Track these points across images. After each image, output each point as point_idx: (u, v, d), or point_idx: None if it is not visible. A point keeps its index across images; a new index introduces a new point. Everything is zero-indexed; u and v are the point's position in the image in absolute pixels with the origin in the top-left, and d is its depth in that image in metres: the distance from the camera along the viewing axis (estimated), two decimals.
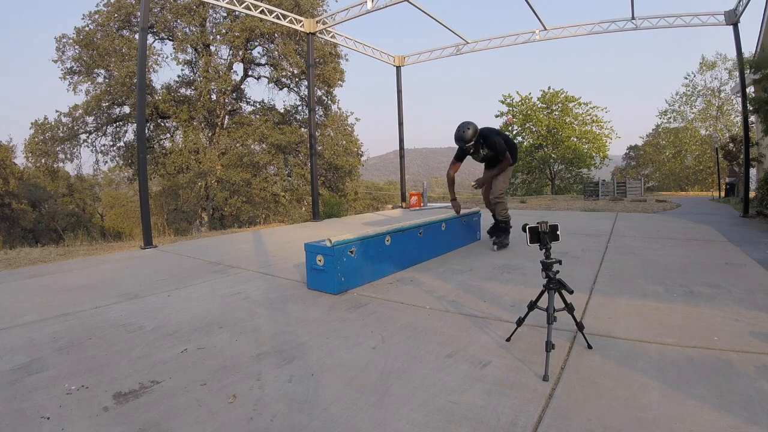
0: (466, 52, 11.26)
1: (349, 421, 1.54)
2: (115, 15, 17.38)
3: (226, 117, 20.36)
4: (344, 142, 20.62)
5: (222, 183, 18.51)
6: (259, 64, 20.79)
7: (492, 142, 4.61)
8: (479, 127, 4.64)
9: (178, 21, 18.11)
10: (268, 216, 18.93)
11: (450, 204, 5.24)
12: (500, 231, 4.99)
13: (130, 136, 19.95)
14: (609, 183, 16.70)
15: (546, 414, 1.55)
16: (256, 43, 19.87)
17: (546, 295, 1.98)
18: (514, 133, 30.47)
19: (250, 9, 8.30)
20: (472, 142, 4.53)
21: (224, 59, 19.82)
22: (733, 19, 7.92)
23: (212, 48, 19.35)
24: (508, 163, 4.75)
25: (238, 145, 19.39)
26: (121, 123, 19.74)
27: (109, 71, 17.92)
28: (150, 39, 18.04)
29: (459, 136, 4.52)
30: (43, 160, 19.27)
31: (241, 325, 2.60)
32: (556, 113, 28.97)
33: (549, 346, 1.83)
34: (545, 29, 9.85)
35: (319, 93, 20.35)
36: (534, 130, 29.13)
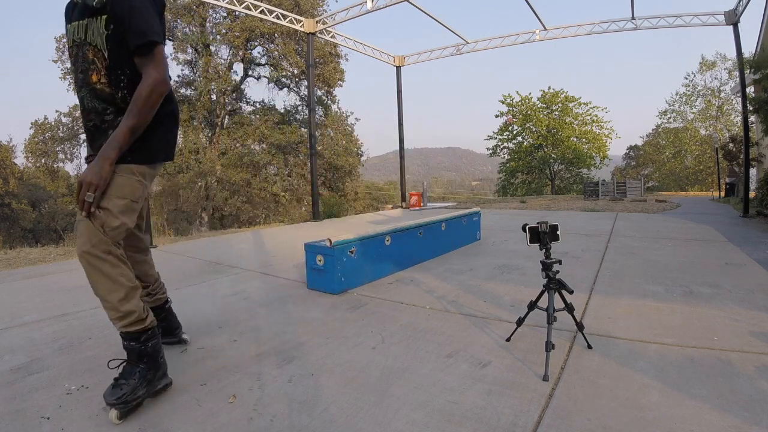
0: (466, 52, 11.26)
1: (349, 421, 1.54)
2: None
3: (226, 117, 20.37)
4: (344, 142, 20.67)
5: (222, 183, 18.52)
6: (259, 64, 20.80)
7: None
8: None
9: (178, 21, 18.13)
10: (268, 216, 18.94)
11: (450, 204, 5.01)
12: (130, 360, 1.67)
13: None
14: (609, 183, 16.70)
15: (546, 414, 1.55)
16: (256, 43, 19.88)
17: (546, 295, 1.98)
18: (514, 133, 30.49)
19: (250, 9, 8.30)
20: None
21: (224, 59, 19.87)
22: (733, 19, 7.92)
23: (212, 48, 19.37)
24: (155, 96, 1.55)
25: (238, 145, 19.41)
26: None
27: None
28: None
29: None
30: (43, 160, 19.34)
31: (241, 325, 2.60)
32: (556, 113, 28.99)
33: (549, 346, 1.84)
34: (545, 29, 9.85)
35: (319, 93, 20.38)
36: (534, 130, 29.14)
